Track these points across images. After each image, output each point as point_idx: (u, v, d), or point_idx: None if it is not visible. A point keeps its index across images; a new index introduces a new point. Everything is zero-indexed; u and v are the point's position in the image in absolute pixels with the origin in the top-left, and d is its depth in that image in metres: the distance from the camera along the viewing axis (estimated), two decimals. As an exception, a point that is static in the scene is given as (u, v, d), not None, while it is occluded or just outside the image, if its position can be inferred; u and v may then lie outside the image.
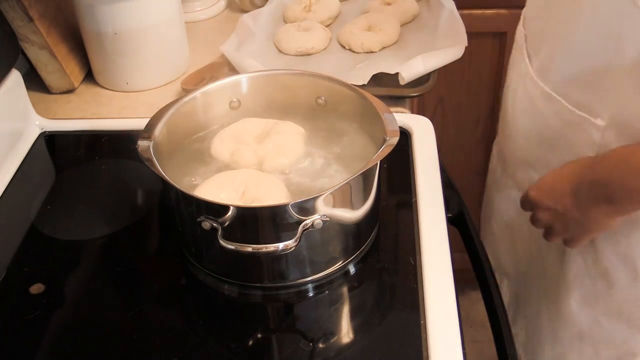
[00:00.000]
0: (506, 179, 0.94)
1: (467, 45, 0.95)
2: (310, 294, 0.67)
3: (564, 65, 0.75)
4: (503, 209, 0.98)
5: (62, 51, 0.96)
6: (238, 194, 0.68)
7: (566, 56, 0.75)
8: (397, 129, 0.67)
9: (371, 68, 0.94)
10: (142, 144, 0.67)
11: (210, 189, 0.67)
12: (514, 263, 1.00)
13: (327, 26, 1.08)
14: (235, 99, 0.78)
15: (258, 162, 0.72)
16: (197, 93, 0.76)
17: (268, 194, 0.67)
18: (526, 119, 0.84)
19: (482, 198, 1.08)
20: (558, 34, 0.75)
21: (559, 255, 0.85)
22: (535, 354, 0.95)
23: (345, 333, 0.64)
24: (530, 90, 0.82)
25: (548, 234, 0.80)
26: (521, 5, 0.89)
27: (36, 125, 0.91)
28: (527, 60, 0.83)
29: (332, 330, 0.63)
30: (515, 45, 0.90)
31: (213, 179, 0.69)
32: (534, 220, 0.80)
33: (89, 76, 1.03)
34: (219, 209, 0.61)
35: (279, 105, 0.79)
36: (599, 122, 0.72)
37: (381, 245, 0.72)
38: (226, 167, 0.72)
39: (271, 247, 0.60)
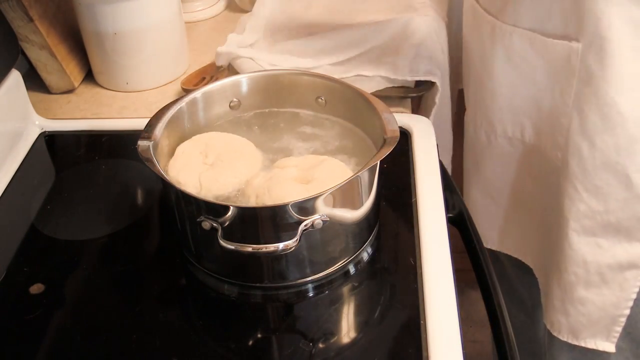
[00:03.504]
0: (496, 141, 0.95)
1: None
2: (310, 294, 0.67)
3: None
4: (497, 171, 0.99)
5: (62, 51, 0.96)
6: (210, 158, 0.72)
7: None
8: (397, 129, 0.67)
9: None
10: (142, 144, 0.67)
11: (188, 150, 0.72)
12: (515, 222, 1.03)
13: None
14: (235, 99, 0.79)
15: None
16: (197, 93, 0.76)
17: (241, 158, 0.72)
18: (506, 70, 0.87)
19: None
20: None
21: (554, 191, 0.88)
22: (543, 295, 0.99)
23: (345, 333, 0.64)
24: (501, 39, 0.84)
25: None
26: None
27: (36, 125, 0.91)
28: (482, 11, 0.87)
29: (332, 330, 0.63)
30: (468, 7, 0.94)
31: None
32: None
33: (89, 76, 1.03)
34: (219, 209, 0.61)
35: (279, 105, 0.80)
36: (575, 44, 0.77)
37: (381, 245, 0.72)
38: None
39: (271, 247, 0.60)
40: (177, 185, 0.69)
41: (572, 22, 0.77)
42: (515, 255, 1.06)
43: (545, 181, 0.92)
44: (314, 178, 0.67)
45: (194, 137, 0.74)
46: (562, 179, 0.86)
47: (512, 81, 0.87)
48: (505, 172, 0.98)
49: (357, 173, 0.62)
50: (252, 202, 0.66)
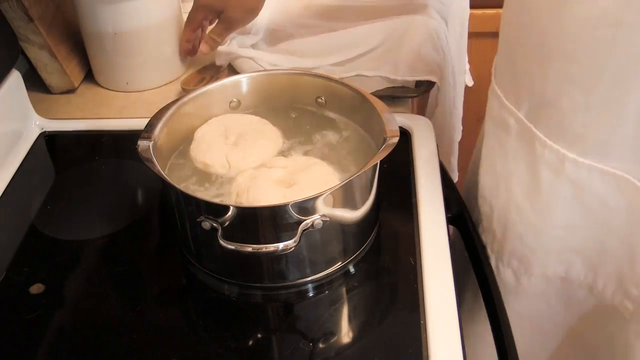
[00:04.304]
0: (528, 281, 0.78)
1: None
2: (310, 294, 0.67)
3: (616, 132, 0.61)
4: (524, 313, 0.80)
5: (62, 51, 0.96)
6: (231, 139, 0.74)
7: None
8: (397, 129, 0.67)
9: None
10: (142, 144, 0.67)
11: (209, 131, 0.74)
12: None
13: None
14: (235, 99, 0.79)
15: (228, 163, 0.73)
16: (197, 93, 0.76)
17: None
18: (570, 209, 0.69)
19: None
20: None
21: (608, 332, 0.75)
22: None
23: (345, 333, 0.64)
24: (572, 175, 0.67)
25: None
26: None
27: (36, 125, 0.91)
28: (536, 132, 0.68)
29: (332, 330, 0.63)
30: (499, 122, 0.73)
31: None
32: None
33: (89, 76, 1.03)
34: (219, 209, 0.61)
35: (279, 105, 0.80)
36: None
37: (381, 245, 0.72)
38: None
39: (271, 247, 0.60)
40: (204, 169, 0.71)
41: None
42: None
43: (594, 319, 0.77)
44: (296, 182, 0.67)
45: (210, 121, 0.76)
46: (632, 335, 0.71)
47: (574, 223, 0.70)
48: (535, 311, 0.81)
49: (357, 173, 0.62)
50: (232, 199, 0.67)
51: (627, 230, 0.67)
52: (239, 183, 0.68)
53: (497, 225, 0.78)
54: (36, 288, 0.68)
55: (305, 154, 0.74)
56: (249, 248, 0.61)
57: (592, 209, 0.68)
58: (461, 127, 1.29)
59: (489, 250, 0.81)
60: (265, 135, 0.74)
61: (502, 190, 0.76)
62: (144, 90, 1.00)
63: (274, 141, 0.74)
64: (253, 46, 1.01)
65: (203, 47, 0.95)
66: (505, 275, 0.79)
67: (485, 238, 0.81)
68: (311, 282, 0.67)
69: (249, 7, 0.89)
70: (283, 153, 0.74)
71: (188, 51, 0.99)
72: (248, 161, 0.71)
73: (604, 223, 0.68)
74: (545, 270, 0.75)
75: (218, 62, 0.97)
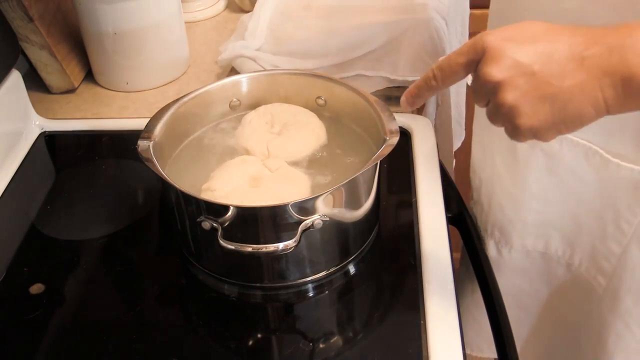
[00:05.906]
0: (508, 254, 0.82)
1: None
2: (310, 294, 0.67)
3: None
4: (503, 284, 0.78)
5: (62, 51, 0.96)
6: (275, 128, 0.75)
7: None
8: (397, 129, 0.67)
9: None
10: (142, 144, 0.67)
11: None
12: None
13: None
14: (235, 99, 0.79)
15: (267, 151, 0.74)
16: (197, 93, 0.76)
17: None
18: (544, 182, 0.74)
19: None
20: None
21: (585, 309, 0.77)
22: None
23: (345, 333, 0.64)
24: (544, 146, 0.71)
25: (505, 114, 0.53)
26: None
27: (36, 125, 0.91)
28: None
29: (332, 330, 0.63)
30: None
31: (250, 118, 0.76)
32: (480, 88, 0.55)
33: (89, 76, 1.03)
34: (219, 209, 0.61)
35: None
36: None
37: (381, 245, 0.72)
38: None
39: (271, 247, 0.60)
40: (245, 153, 0.73)
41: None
42: None
43: (572, 296, 0.80)
44: (264, 186, 0.67)
45: (258, 108, 0.77)
46: (605, 310, 0.74)
47: (548, 194, 0.75)
48: (518, 288, 0.84)
49: (357, 173, 0.62)
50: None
51: (598, 204, 0.71)
52: (222, 165, 0.69)
53: (484, 197, 0.83)
54: (36, 288, 0.68)
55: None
56: (249, 248, 0.61)
57: (564, 180, 0.72)
58: (464, 130, 1.29)
59: (478, 223, 0.85)
60: (309, 128, 0.75)
61: (488, 161, 0.80)
62: (144, 90, 0.99)
63: (317, 134, 0.75)
64: (257, 50, 1.01)
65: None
66: (488, 248, 0.83)
67: (475, 211, 0.85)
68: (311, 282, 0.67)
69: None
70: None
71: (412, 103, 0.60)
72: (287, 152, 0.72)
73: (577, 197, 0.72)
74: (525, 243, 0.79)
75: (220, 63, 0.97)
